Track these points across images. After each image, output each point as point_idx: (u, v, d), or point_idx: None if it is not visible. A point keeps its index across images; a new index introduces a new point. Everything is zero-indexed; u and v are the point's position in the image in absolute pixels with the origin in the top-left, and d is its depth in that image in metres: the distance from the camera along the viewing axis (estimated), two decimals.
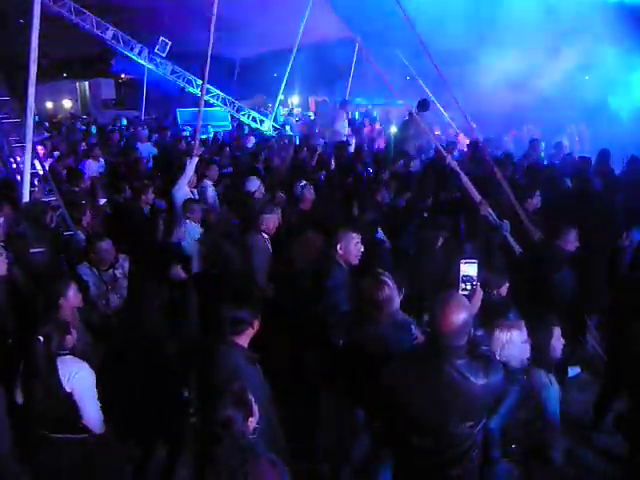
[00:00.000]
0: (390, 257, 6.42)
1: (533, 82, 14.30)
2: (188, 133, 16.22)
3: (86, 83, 31.51)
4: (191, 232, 6.93)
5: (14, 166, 7.96)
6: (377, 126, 17.85)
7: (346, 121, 15.54)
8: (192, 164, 8.46)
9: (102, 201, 8.34)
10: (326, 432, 4.63)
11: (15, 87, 8.21)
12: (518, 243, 6.62)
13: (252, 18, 17.32)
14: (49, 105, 29.50)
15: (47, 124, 19.95)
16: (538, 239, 6.64)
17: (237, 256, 6.24)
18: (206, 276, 6.13)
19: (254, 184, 8.15)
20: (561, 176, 9.28)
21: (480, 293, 3.54)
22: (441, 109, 15.23)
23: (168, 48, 18.18)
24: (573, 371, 6.40)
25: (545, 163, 10.98)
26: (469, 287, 3.52)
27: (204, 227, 7.08)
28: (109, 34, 17.15)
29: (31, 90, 7.23)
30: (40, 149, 11.41)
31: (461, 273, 3.55)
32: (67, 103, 31.31)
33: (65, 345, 4.05)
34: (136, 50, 17.88)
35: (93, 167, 10.81)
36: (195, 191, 8.56)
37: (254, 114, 19.84)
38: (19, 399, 4.02)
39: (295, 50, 15.84)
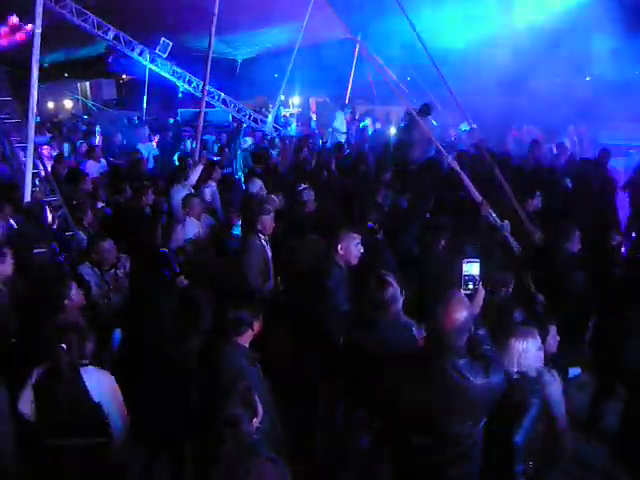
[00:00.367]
0: (392, 258, 6.42)
1: (529, 82, 14.30)
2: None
3: (87, 83, 31.51)
4: (190, 229, 6.98)
5: (15, 166, 7.99)
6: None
7: (344, 120, 15.59)
8: (197, 171, 8.51)
9: (100, 204, 8.37)
10: (326, 432, 4.63)
11: (16, 87, 8.23)
12: (518, 243, 6.63)
13: (253, 19, 17.33)
14: (50, 105, 29.48)
15: (49, 124, 19.96)
16: (538, 239, 6.66)
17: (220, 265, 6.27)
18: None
19: (255, 185, 8.16)
20: (562, 177, 9.30)
21: (482, 292, 3.55)
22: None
23: (169, 49, 18.18)
24: (573, 372, 6.41)
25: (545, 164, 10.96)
26: (471, 286, 3.53)
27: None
28: (110, 35, 17.15)
29: (33, 90, 7.25)
30: (46, 149, 11.47)
31: (463, 272, 3.56)
32: (68, 103, 31.30)
33: (85, 353, 4.05)
34: (137, 51, 17.88)
35: (94, 168, 10.82)
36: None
37: (255, 115, 19.84)
38: (25, 408, 3.99)
39: (296, 51, 15.82)
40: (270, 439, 3.43)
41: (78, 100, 30.11)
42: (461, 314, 3.19)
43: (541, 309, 5.02)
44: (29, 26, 16.46)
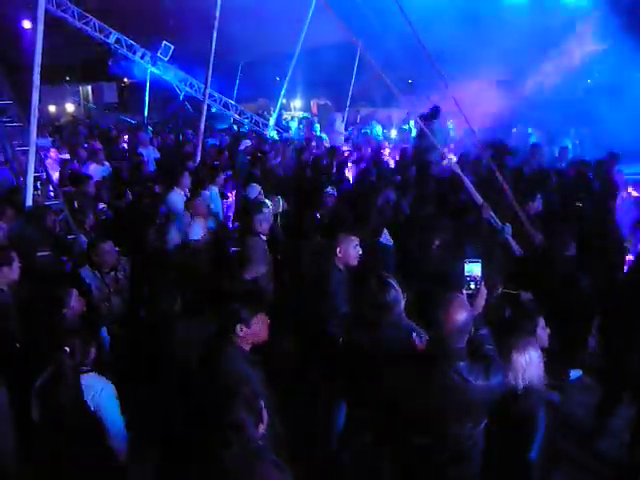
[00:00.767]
0: (395, 260, 6.43)
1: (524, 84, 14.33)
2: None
3: (89, 87, 31.60)
4: (196, 230, 6.99)
5: (17, 170, 8.00)
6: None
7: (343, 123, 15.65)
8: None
9: (101, 205, 8.38)
10: (326, 432, 4.63)
11: (18, 91, 8.24)
12: (519, 246, 6.63)
13: (254, 22, 17.38)
14: (52, 109, 29.54)
15: (50, 128, 19.99)
16: (539, 242, 6.65)
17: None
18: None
19: (254, 191, 8.16)
20: (564, 180, 9.30)
21: (484, 292, 3.55)
22: None
23: (171, 52, 18.24)
24: (575, 374, 6.41)
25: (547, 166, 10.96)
26: (473, 287, 3.53)
27: None
28: (112, 38, 17.22)
29: (35, 94, 7.26)
30: (52, 152, 11.48)
31: (465, 273, 3.56)
32: (70, 107, 31.36)
33: (88, 359, 4.07)
34: (139, 54, 17.95)
35: (98, 171, 10.83)
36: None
37: (256, 117, 19.90)
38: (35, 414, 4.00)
39: (297, 54, 15.88)
40: (270, 440, 3.43)
41: (79, 103, 30.17)
42: (461, 316, 3.19)
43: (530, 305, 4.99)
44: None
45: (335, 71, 19.52)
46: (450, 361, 3.20)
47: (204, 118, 10.72)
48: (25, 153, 7.58)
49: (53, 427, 3.95)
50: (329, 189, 8.09)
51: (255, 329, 3.85)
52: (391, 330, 4.02)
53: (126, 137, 15.90)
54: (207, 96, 11.40)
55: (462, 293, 3.50)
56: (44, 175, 7.92)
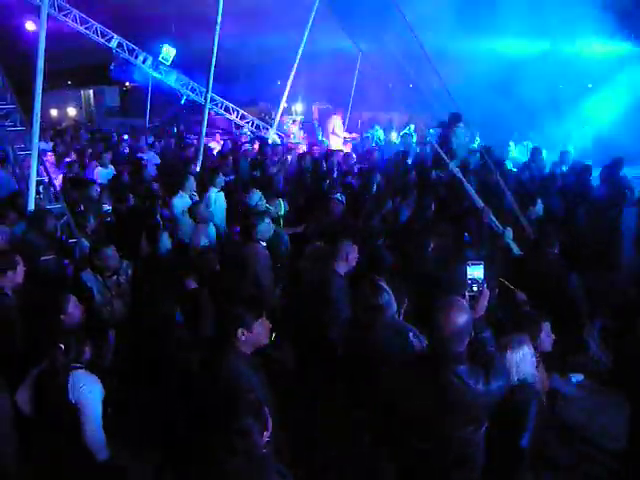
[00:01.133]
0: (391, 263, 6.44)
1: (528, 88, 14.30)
2: None
3: (90, 91, 31.64)
4: (200, 234, 7.02)
5: (19, 174, 8.02)
6: None
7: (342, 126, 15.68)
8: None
9: (105, 207, 8.39)
10: (326, 435, 4.62)
11: (21, 95, 8.27)
12: (520, 250, 6.64)
13: (256, 27, 17.43)
14: (53, 113, 29.58)
15: (51, 132, 20.01)
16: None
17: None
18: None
19: (255, 197, 8.17)
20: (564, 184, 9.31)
21: (487, 295, 3.55)
22: None
23: (173, 56, 18.27)
24: (576, 377, 6.40)
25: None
26: (476, 289, 3.54)
27: None
28: (114, 42, 17.25)
29: (37, 98, 7.29)
30: (49, 155, 11.51)
31: (468, 275, 3.57)
32: (71, 111, 31.40)
33: (81, 358, 4.08)
34: (140, 58, 17.97)
35: (102, 174, 10.86)
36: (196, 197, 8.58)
37: (258, 122, 19.91)
38: (26, 407, 4.02)
39: (298, 58, 15.89)
40: (273, 445, 3.42)
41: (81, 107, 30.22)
42: (461, 318, 3.20)
43: (528, 307, 5.00)
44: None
45: (336, 75, 19.54)
46: (450, 365, 3.20)
47: (205, 122, 10.74)
48: (27, 157, 7.60)
49: (44, 423, 3.97)
50: (337, 195, 8.07)
51: (257, 333, 3.85)
52: (387, 332, 4.03)
53: (126, 136, 15.91)
54: (209, 100, 11.42)
55: (464, 296, 3.51)
56: (46, 179, 7.93)
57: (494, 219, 6.71)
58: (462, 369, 3.19)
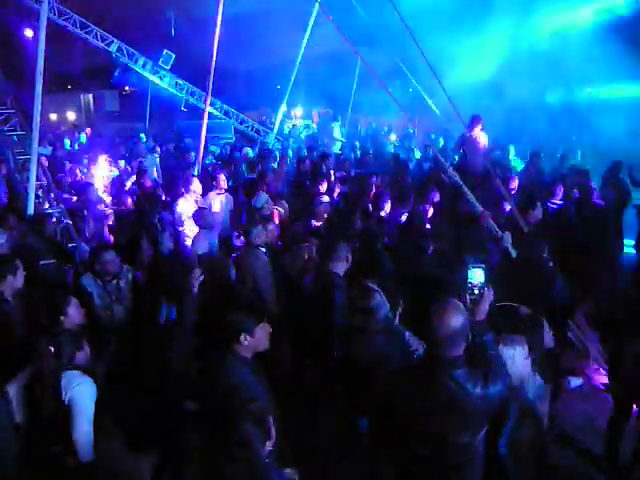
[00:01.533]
0: (390, 266, 6.44)
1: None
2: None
3: (90, 95, 31.69)
4: (203, 240, 7.03)
5: (18, 178, 8.04)
6: None
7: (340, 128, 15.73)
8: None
9: (107, 212, 8.41)
10: (326, 438, 4.62)
11: (21, 100, 8.29)
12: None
13: (256, 31, 17.48)
14: (53, 117, 29.62)
15: (51, 135, 20.02)
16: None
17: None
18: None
19: (261, 199, 8.18)
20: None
21: (488, 298, 3.55)
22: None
23: (172, 60, 18.30)
24: (575, 382, 6.41)
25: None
26: (477, 292, 3.54)
27: None
28: (114, 47, 17.29)
29: (37, 102, 7.30)
30: (43, 160, 11.49)
31: (469, 279, 3.57)
32: (71, 115, 31.45)
33: (75, 360, 4.04)
34: (140, 62, 18.01)
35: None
36: (199, 200, 8.61)
37: (257, 126, 19.95)
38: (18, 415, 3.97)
39: (298, 62, 15.94)
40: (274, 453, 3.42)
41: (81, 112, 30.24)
42: (456, 321, 3.18)
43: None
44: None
45: (336, 80, 19.58)
46: (447, 368, 3.19)
47: (205, 126, 10.75)
48: (26, 161, 7.62)
49: (35, 426, 3.95)
50: (321, 198, 8.10)
51: (258, 338, 3.86)
52: (380, 335, 4.03)
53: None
54: (208, 104, 11.44)
55: (465, 299, 3.51)
56: (45, 183, 7.94)
57: (493, 223, 6.71)
58: (460, 373, 3.17)
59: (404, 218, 7.91)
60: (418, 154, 14.70)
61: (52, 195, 7.99)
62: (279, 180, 10.42)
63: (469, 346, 3.32)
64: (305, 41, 15.41)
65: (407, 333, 4.28)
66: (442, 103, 10.90)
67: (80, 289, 5.53)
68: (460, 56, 14.82)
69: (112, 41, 17.25)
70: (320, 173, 10.68)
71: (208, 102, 11.27)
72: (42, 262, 6.13)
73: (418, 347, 4.13)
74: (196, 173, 10.16)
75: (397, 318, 4.54)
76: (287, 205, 8.40)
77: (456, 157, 11.29)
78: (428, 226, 7.47)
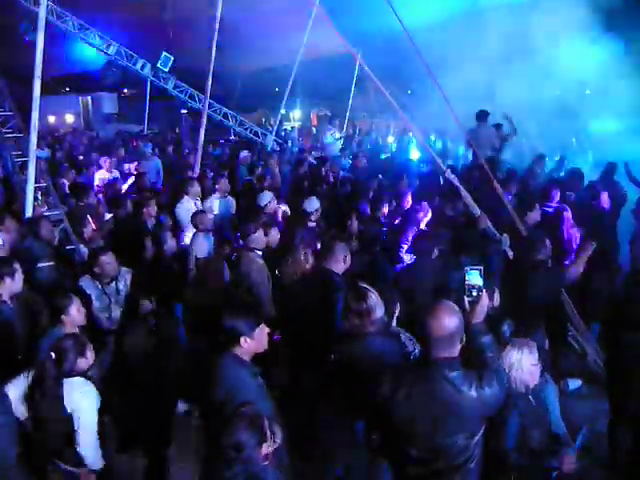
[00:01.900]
0: (390, 270, 6.44)
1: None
2: None
3: (88, 97, 31.66)
4: (202, 243, 7.04)
5: (16, 180, 8.03)
6: None
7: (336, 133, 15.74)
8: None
9: (107, 216, 8.40)
10: (324, 440, 4.62)
11: (19, 102, 8.28)
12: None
13: (254, 33, 17.48)
14: (51, 119, 29.60)
15: (49, 138, 20.01)
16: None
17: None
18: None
19: (265, 198, 8.18)
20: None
21: (486, 299, 3.55)
22: None
23: (171, 63, 18.32)
24: (574, 383, 6.41)
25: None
26: (474, 294, 3.54)
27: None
28: (112, 49, 17.31)
29: (35, 104, 7.30)
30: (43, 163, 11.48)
31: (466, 281, 3.57)
32: (69, 117, 31.42)
33: (78, 367, 4.02)
34: (139, 64, 18.02)
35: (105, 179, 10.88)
36: (199, 203, 8.61)
37: (256, 128, 19.96)
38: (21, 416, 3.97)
39: (297, 65, 15.96)
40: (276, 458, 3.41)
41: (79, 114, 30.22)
42: (450, 321, 3.18)
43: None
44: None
45: (334, 82, 19.61)
46: (442, 370, 3.18)
47: (204, 128, 10.74)
48: (25, 164, 7.61)
49: (39, 434, 3.93)
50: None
51: (257, 340, 3.85)
52: (376, 338, 4.01)
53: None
54: (207, 106, 11.44)
55: (464, 301, 3.52)
56: (44, 185, 7.93)
57: (491, 226, 6.72)
58: (455, 375, 3.16)
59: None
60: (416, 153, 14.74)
61: (51, 198, 7.97)
62: (277, 182, 10.45)
63: (470, 348, 3.33)
64: (304, 43, 15.42)
65: (403, 335, 4.27)
66: (441, 104, 10.87)
67: (78, 291, 5.53)
68: (457, 57, 14.84)
69: (111, 43, 17.27)
70: (319, 176, 10.72)
71: (206, 104, 11.26)
72: (40, 264, 6.11)
73: (414, 349, 4.13)
74: (195, 175, 10.17)
75: (394, 321, 4.54)
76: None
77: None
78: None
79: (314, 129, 23.01)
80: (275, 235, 6.79)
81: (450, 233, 6.74)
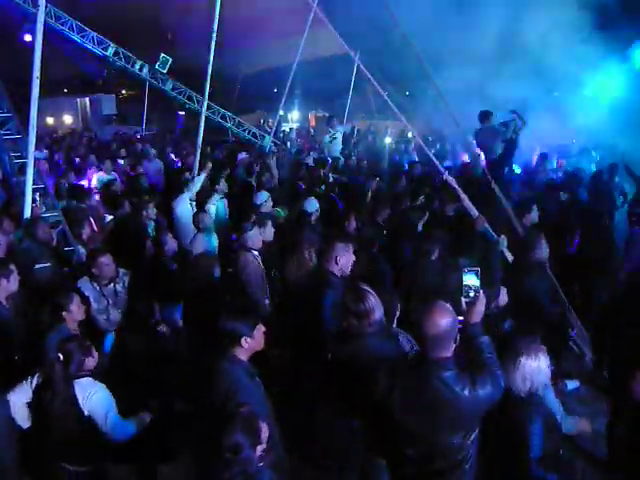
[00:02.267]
0: (389, 270, 6.44)
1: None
2: None
3: (87, 99, 31.65)
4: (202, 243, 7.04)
5: (15, 181, 8.02)
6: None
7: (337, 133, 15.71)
8: (200, 180, 8.59)
9: (108, 217, 8.40)
10: (323, 439, 4.62)
11: (17, 103, 8.28)
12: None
13: (252, 34, 17.49)
14: (49, 121, 29.59)
15: (48, 139, 20.00)
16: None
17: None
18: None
19: (261, 197, 8.18)
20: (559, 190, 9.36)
21: (483, 300, 3.56)
22: None
23: (169, 64, 18.31)
24: (572, 385, 6.42)
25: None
26: (472, 294, 3.55)
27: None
28: (110, 51, 17.30)
29: (33, 106, 7.29)
30: (44, 164, 11.48)
31: (463, 282, 3.58)
32: (68, 119, 31.42)
33: (85, 367, 4.05)
34: (137, 66, 18.01)
35: (103, 180, 10.87)
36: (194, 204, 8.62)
37: (254, 130, 19.95)
38: (25, 423, 3.99)
39: (295, 66, 15.94)
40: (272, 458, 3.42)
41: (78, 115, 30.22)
42: (443, 320, 3.20)
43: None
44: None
45: (333, 83, 19.60)
46: (436, 370, 3.21)
47: (202, 130, 10.73)
48: (23, 165, 7.60)
49: (47, 435, 3.95)
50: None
51: (257, 339, 3.88)
52: (373, 339, 4.02)
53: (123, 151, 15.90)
54: (205, 108, 11.43)
55: (461, 301, 3.53)
56: (42, 187, 7.92)
57: (488, 227, 6.73)
58: (449, 375, 3.19)
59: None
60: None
61: (49, 199, 7.97)
62: (275, 183, 10.46)
63: (468, 348, 3.34)
64: (302, 44, 15.41)
65: (401, 336, 4.27)
66: (439, 105, 10.90)
67: (77, 293, 5.53)
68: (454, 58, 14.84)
69: (109, 45, 17.26)
70: (316, 177, 10.72)
71: (205, 105, 11.25)
72: (38, 266, 6.11)
73: (411, 349, 4.13)
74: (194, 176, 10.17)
75: (395, 322, 4.54)
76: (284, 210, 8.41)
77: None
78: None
79: (312, 130, 22.98)
80: (270, 229, 6.81)
81: (448, 235, 6.74)
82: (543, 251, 5.89)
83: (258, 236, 6.38)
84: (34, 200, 7.49)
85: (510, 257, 6.55)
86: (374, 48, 14.75)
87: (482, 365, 3.29)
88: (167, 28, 18.98)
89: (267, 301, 6.29)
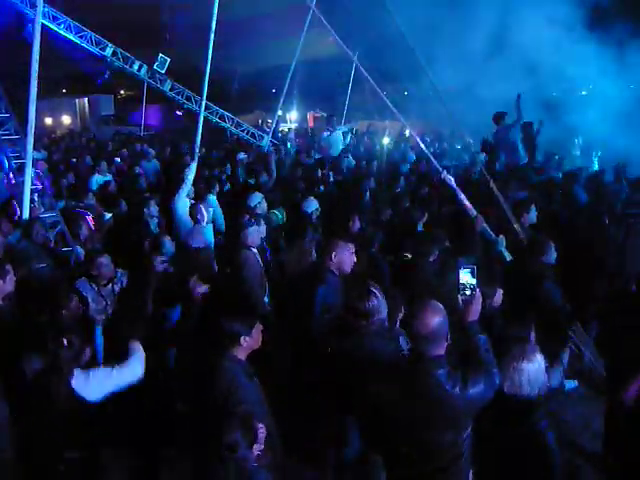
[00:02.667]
0: (391, 272, 6.43)
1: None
2: None
3: (85, 99, 31.64)
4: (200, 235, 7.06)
5: (13, 182, 8.01)
6: None
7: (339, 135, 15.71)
8: (191, 170, 8.60)
9: (107, 216, 8.39)
10: (321, 436, 4.62)
11: (16, 103, 8.26)
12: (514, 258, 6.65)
13: (251, 34, 17.49)
14: (48, 121, 29.58)
15: (46, 139, 19.99)
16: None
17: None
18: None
19: (255, 199, 8.19)
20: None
21: (480, 298, 3.56)
22: None
23: (167, 64, 18.28)
24: (571, 384, 6.42)
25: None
26: (468, 292, 3.56)
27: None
28: (108, 51, 17.27)
29: (32, 107, 7.29)
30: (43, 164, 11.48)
31: (460, 280, 3.59)
32: (66, 119, 31.41)
33: (80, 359, 4.06)
34: (135, 66, 17.98)
35: (100, 182, 10.87)
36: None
37: (253, 130, 19.93)
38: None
39: (293, 66, 15.94)
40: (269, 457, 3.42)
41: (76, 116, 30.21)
42: (434, 320, 3.22)
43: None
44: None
45: (331, 83, 19.62)
46: (428, 368, 3.23)
47: (200, 130, 10.73)
48: (22, 165, 7.60)
49: (46, 419, 3.94)
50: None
51: (255, 338, 3.90)
52: (373, 338, 4.02)
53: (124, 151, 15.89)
54: (203, 108, 11.43)
55: (458, 299, 3.53)
56: (40, 187, 7.92)
57: (487, 227, 6.72)
58: (440, 373, 3.21)
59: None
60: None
61: (47, 199, 7.96)
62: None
63: (466, 345, 3.34)
64: (300, 44, 15.41)
65: (401, 337, 4.27)
66: (437, 105, 10.90)
67: (75, 293, 5.52)
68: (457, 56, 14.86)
69: (107, 45, 17.23)
70: (315, 177, 10.73)
71: (203, 106, 11.25)
72: (36, 266, 6.10)
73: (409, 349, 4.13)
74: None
75: (397, 323, 4.54)
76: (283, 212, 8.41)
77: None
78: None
79: (310, 130, 22.97)
80: (264, 229, 6.81)
81: (447, 234, 6.73)
82: (551, 255, 5.90)
83: (257, 233, 6.38)
84: (32, 200, 7.48)
85: (509, 257, 6.56)
86: (372, 48, 14.76)
87: (478, 363, 3.30)
88: (166, 28, 18.97)
89: (266, 299, 6.29)
